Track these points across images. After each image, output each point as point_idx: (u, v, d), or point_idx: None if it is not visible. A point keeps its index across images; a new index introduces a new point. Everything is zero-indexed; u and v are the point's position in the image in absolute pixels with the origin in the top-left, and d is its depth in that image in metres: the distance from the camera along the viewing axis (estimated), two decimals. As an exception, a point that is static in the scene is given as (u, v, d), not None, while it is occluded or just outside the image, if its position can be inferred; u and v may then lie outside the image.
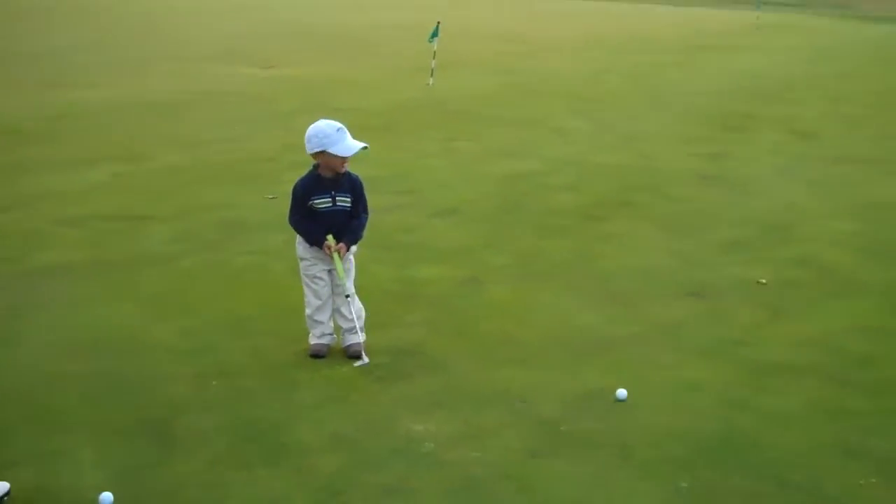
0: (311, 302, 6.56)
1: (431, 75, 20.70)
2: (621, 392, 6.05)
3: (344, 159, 6.32)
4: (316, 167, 6.46)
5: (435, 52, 20.60)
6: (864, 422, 5.84)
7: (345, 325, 6.53)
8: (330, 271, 6.50)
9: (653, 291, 8.08)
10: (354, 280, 6.63)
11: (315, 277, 6.52)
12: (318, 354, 6.52)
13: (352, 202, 6.48)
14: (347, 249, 6.47)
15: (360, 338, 6.57)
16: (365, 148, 6.35)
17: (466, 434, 5.53)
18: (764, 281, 8.31)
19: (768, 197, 11.30)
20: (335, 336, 6.63)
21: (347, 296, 6.47)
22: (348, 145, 6.28)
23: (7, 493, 4.68)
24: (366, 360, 6.40)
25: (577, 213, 10.52)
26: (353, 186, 6.49)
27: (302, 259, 6.56)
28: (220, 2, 45.40)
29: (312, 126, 6.33)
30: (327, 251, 6.39)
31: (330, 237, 6.39)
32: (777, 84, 22.50)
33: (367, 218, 6.61)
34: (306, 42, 29.50)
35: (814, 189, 11.79)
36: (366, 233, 6.65)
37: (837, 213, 10.64)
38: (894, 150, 14.34)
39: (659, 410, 5.91)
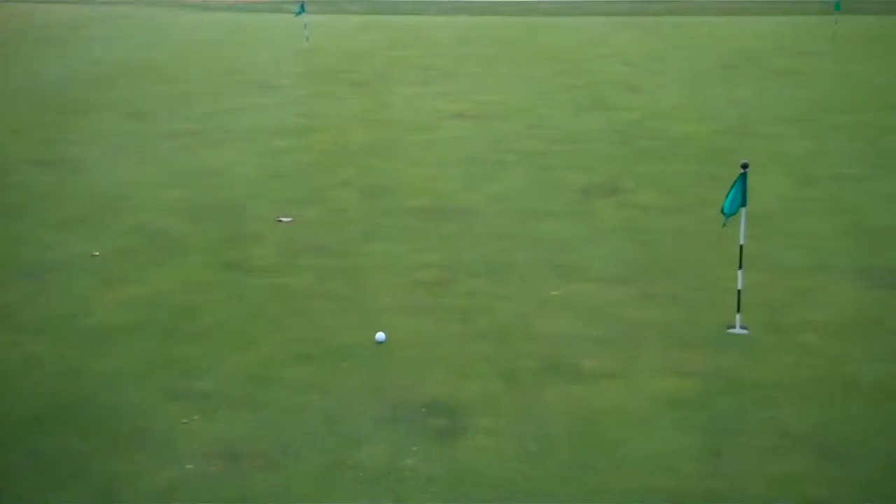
0: None
1: None
2: (380, 335, 6.02)
3: None
4: None
5: None
6: (189, 366, 6.04)
7: None
8: None
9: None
10: None
11: None
12: None
13: None
14: None
15: None
16: None
17: None
18: (97, 253, 8.16)
19: (103, 175, 11.04)
20: None
21: None
22: None
23: None
24: None
25: None
26: None
27: None
28: None
29: None
30: None
31: None
32: (115, 70, 22.06)
33: None
34: None
35: (145, 163, 11.75)
36: None
37: (166, 183, 10.70)
38: (215, 123, 14.76)
39: (-6, 393, 5.57)
